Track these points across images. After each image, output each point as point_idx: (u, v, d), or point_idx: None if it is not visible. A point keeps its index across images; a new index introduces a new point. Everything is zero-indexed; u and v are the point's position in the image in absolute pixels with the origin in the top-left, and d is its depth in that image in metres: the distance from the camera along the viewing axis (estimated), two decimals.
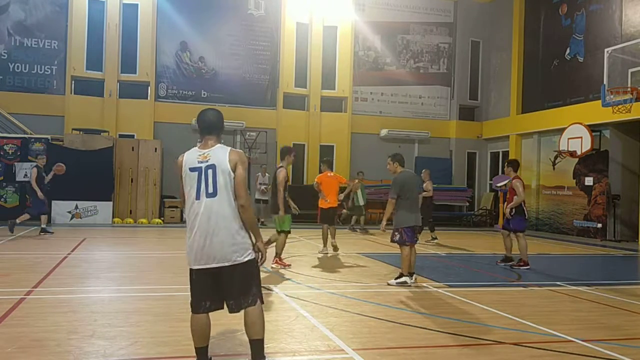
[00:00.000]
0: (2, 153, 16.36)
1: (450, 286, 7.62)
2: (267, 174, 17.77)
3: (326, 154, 20.62)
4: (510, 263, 9.75)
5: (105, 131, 17.68)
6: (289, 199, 9.06)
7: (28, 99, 17.81)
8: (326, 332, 5.03)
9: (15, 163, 16.40)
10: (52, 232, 13.30)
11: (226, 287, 3.79)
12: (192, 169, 3.78)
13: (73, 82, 18.47)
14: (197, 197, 3.74)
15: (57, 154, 16.29)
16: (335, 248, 11.12)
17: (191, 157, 3.82)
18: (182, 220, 17.75)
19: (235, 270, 3.74)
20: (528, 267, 9.47)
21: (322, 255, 10.82)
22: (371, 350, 4.57)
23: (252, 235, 3.89)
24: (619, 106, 14.06)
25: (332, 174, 11.38)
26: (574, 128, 16.13)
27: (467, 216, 21.02)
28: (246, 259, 3.77)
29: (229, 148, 3.83)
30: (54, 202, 16.08)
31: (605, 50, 14.83)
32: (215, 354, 4.35)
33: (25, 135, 16.93)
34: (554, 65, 18.62)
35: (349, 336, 4.95)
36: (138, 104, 18.93)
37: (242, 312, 3.87)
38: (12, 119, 17.23)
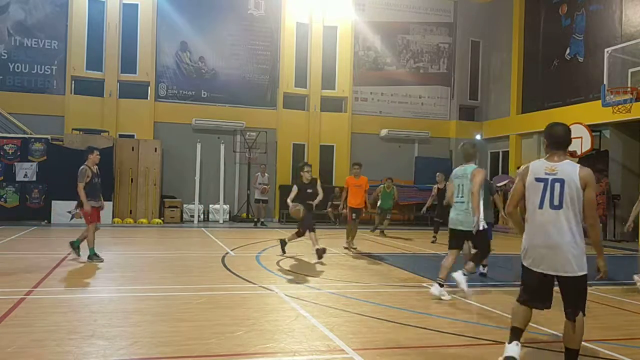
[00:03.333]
0: (2, 153, 16.36)
1: (450, 286, 7.61)
2: (266, 174, 17.77)
3: (326, 154, 20.65)
4: None
5: (105, 131, 17.68)
6: None
7: (28, 99, 17.80)
8: (326, 332, 5.03)
9: (15, 163, 16.40)
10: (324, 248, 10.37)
11: (564, 295, 4.03)
12: (537, 179, 4.00)
13: (73, 82, 18.47)
14: (540, 207, 3.96)
15: (57, 154, 16.32)
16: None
17: (538, 168, 4.04)
18: (181, 220, 17.76)
19: (570, 281, 3.95)
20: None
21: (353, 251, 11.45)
22: (371, 350, 4.57)
23: (597, 252, 4.14)
24: (619, 106, 14.05)
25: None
26: (574, 128, 16.02)
27: None
28: (579, 274, 3.95)
29: (578, 165, 3.96)
30: (53, 202, 16.11)
31: (605, 50, 14.82)
32: (215, 354, 4.35)
33: (25, 135, 16.93)
34: (554, 65, 18.61)
35: (349, 336, 4.95)
36: (138, 104, 18.93)
37: None
38: (12, 119, 17.23)
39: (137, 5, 18.96)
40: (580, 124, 15.94)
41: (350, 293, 7.01)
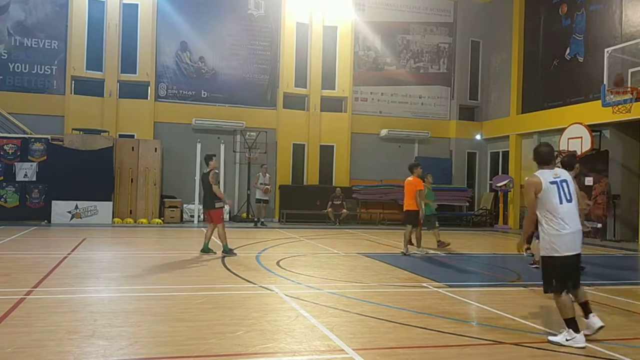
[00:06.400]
0: (2, 153, 16.37)
1: (450, 286, 7.62)
2: (267, 174, 17.77)
3: (326, 154, 20.65)
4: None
5: (105, 131, 17.68)
6: None
7: (28, 99, 17.81)
8: (326, 332, 5.03)
9: (15, 163, 16.41)
10: None
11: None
12: (551, 182, 4.99)
13: (73, 82, 18.47)
14: (560, 203, 4.95)
15: (57, 154, 16.33)
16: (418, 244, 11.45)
17: (546, 176, 5.03)
18: (181, 220, 17.76)
19: (579, 257, 5.04)
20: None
21: (420, 254, 11.02)
22: (371, 350, 4.57)
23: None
24: (619, 106, 14.06)
25: (411, 178, 11.12)
26: (574, 128, 16.13)
27: (467, 216, 21.02)
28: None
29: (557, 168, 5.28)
30: (53, 202, 16.11)
31: (605, 50, 14.82)
32: (215, 354, 4.36)
33: (25, 135, 16.94)
34: (554, 65, 18.61)
35: (349, 336, 4.95)
36: (138, 104, 18.94)
37: None
38: (12, 119, 17.24)
39: (137, 5, 18.97)
40: (580, 124, 15.98)
41: (350, 293, 7.01)
